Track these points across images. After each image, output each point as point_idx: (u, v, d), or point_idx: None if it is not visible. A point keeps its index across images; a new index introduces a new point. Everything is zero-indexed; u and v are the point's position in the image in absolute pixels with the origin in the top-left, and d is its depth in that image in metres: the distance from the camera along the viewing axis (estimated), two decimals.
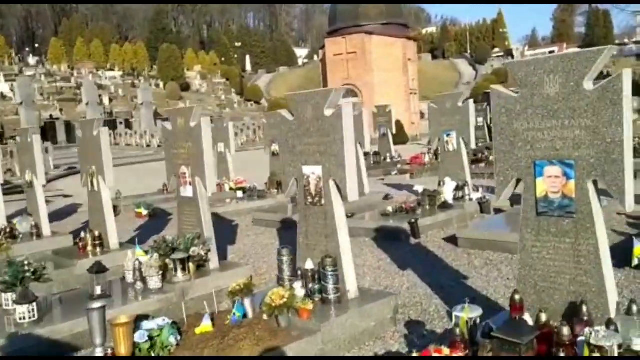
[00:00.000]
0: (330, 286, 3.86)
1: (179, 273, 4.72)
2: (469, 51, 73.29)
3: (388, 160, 14.69)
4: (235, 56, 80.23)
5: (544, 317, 2.77)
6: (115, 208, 11.13)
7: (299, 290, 4.04)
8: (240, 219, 8.98)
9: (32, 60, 68.57)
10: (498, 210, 7.72)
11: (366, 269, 5.64)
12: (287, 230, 7.77)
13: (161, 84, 61.51)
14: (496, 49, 73.04)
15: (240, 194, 10.47)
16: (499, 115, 3.12)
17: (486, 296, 4.51)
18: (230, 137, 11.27)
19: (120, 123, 46.47)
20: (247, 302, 3.85)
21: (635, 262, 4.67)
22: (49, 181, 19.03)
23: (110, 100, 54.06)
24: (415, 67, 40.14)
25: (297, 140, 4.15)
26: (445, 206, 7.48)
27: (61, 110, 48.29)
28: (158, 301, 4.46)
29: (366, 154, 15.11)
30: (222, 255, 6.67)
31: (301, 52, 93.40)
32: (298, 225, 4.32)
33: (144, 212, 10.00)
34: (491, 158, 12.38)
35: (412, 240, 6.59)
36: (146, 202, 10.30)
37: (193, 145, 4.98)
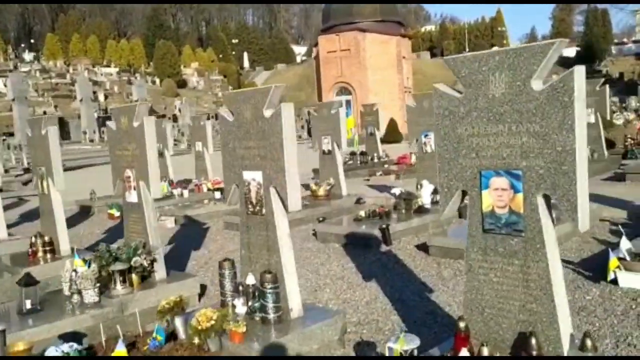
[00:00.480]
0: (270, 305, 3.51)
1: (119, 286, 4.37)
2: (467, 50, 72.81)
3: (375, 160, 14.33)
4: (233, 53, 79.80)
5: (485, 351, 2.42)
6: (89, 209, 10.92)
7: (240, 307, 3.72)
8: (213, 222, 8.64)
9: (28, 56, 68.17)
10: None
11: (329, 279, 5.30)
12: None
13: (157, 81, 61.13)
14: (495, 48, 72.54)
15: (217, 194, 10.13)
16: (442, 118, 2.77)
17: (448, 313, 4.16)
18: (208, 136, 10.92)
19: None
20: (178, 323, 3.51)
21: (611, 276, 4.32)
22: (30, 180, 18.67)
23: (106, 96, 53.71)
24: (409, 65, 39.71)
25: (238, 142, 3.81)
26: (421, 210, 7.14)
27: (56, 106, 47.95)
28: (92, 317, 4.11)
29: (353, 154, 14.81)
30: (182, 263, 6.35)
31: (300, 50, 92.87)
32: (240, 236, 3.98)
33: (117, 213, 9.65)
34: None
35: (383, 248, 6.25)
36: (119, 203, 9.94)
37: (137, 147, 4.63)
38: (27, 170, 21.06)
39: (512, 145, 2.51)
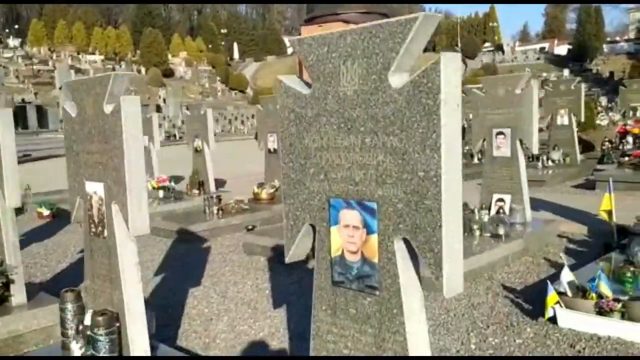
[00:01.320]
0: (102, 355, 2.75)
1: None
2: (459, 45, 72.05)
3: None
4: (223, 43, 78.71)
5: None
6: (21, 206, 10.12)
7: (77, 352, 2.97)
8: None
9: (13, 41, 66.73)
10: None
11: (233, 303, 4.54)
12: (183, 244, 6.69)
13: (143, 70, 60.00)
14: (487, 44, 71.82)
15: (161, 193, 9.35)
16: (287, 123, 2.01)
17: None
18: (155, 130, 10.11)
19: None
20: None
21: (549, 313, 3.59)
22: None
23: None
24: None
25: (81, 145, 3.03)
26: None
27: (36, 93, 46.83)
28: None
29: None
30: (80, 277, 5.57)
31: None
32: (84, 262, 3.21)
33: (46, 212, 8.86)
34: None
35: (311, 264, 5.49)
36: (50, 200, 9.15)
37: None
38: None
39: (366, 166, 1.76)
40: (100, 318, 2.74)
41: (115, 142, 2.74)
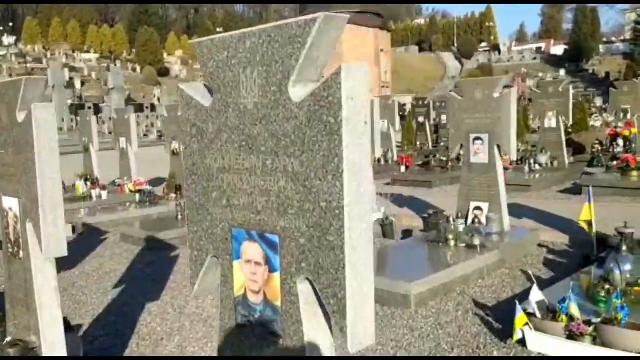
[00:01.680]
0: None
1: None
2: (455, 45, 71.83)
3: None
4: None
5: None
6: None
7: None
8: (117, 230, 7.57)
9: (8, 39, 66.28)
10: (407, 233, 6.42)
11: (189, 320, 4.24)
12: (151, 252, 6.40)
13: (138, 68, 59.69)
14: (483, 43, 71.60)
15: (138, 197, 9.08)
16: (189, 138, 1.75)
17: None
18: (132, 131, 9.83)
19: (89, 107, 44.72)
20: None
21: (518, 334, 3.34)
22: None
23: (82, 83, 52.27)
24: (388, 59, 38.41)
25: None
26: None
27: None
28: None
29: None
30: None
31: None
32: (4, 284, 2.95)
33: None
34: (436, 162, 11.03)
35: None
36: None
37: None
38: None
39: (268, 192, 1.50)
40: (10, 349, 2.48)
41: (28, 153, 2.48)
